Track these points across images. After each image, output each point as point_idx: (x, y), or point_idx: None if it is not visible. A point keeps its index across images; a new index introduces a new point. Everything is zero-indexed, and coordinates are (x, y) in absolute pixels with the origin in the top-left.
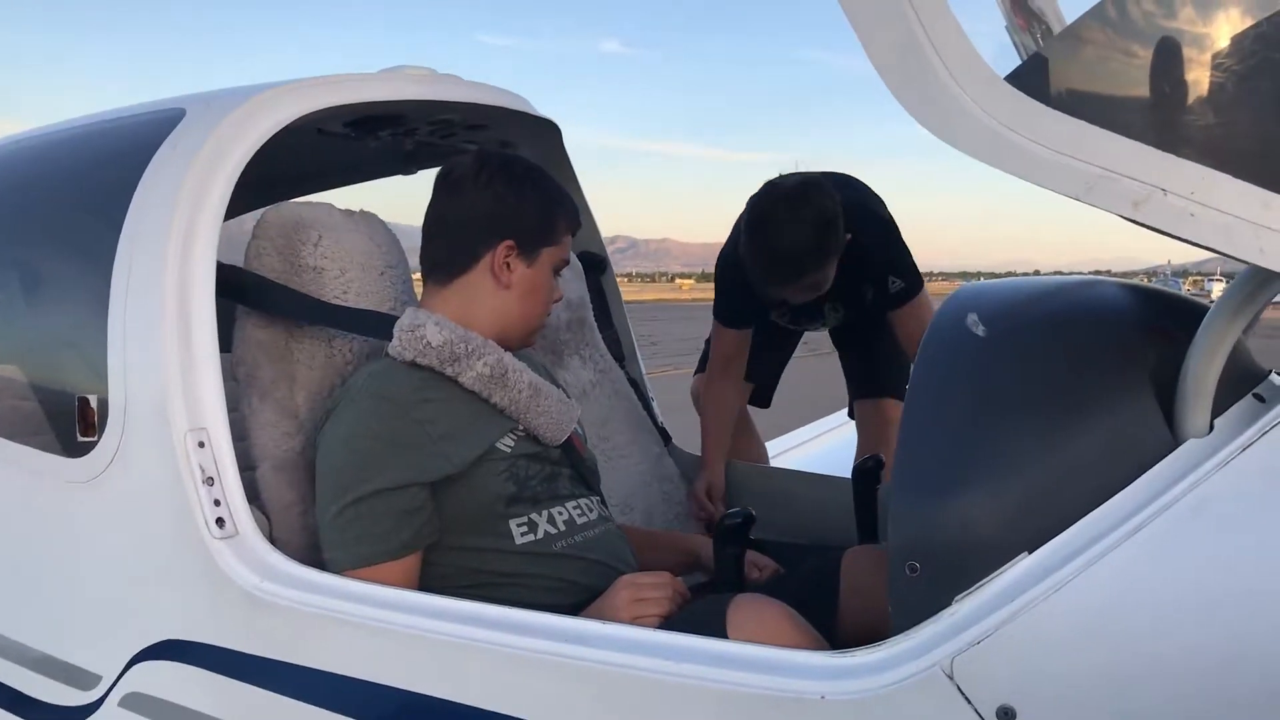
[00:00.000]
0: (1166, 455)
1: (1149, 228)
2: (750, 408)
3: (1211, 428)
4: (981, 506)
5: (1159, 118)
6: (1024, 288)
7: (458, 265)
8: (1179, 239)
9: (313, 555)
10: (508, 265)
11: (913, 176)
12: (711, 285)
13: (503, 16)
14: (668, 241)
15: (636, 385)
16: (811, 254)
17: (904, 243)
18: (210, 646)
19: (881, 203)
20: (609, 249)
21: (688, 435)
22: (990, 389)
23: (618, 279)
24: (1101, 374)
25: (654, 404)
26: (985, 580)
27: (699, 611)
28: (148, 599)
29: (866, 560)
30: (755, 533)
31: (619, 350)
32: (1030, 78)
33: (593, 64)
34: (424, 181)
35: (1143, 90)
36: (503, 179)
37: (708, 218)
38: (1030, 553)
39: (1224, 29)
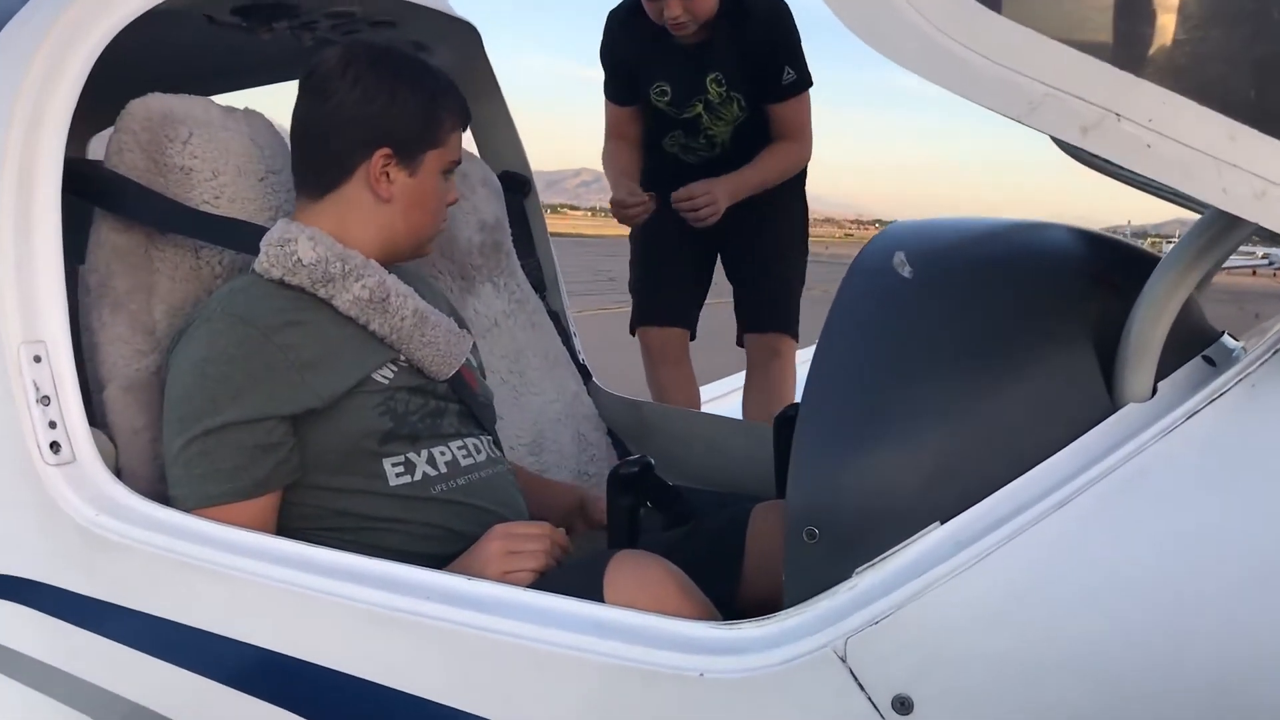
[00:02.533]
0: (1102, 420)
1: (1096, 159)
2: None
3: (1154, 392)
4: (893, 467)
5: (1117, 29)
6: (963, 227)
7: (329, 178)
8: (1129, 173)
9: (163, 487)
10: (386, 175)
11: (877, 125)
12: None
13: None
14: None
15: (557, 318)
16: None
17: (798, 32)
18: (40, 584)
19: None
20: (573, 181)
21: (619, 376)
22: (911, 336)
23: (581, 213)
24: (1037, 326)
25: (576, 339)
26: (890, 552)
27: (575, 570)
28: None
29: (774, 516)
30: (672, 477)
31: (539, 279)
32: None
33: None
34: None
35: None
36: (372, 76)
37: None
38: (943, 523)
39: None
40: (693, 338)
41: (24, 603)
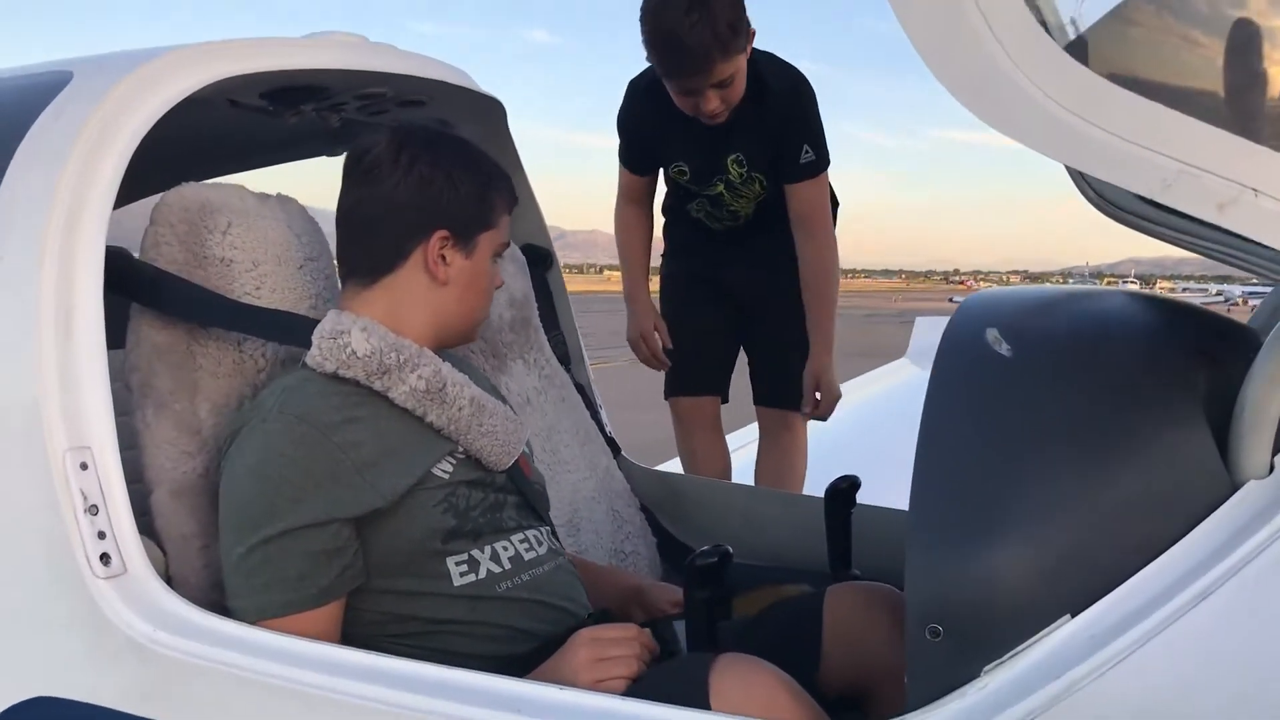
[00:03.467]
0: (1225, 499)
1: (1227, 233)
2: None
3: (1273, 467)
4: (1013, 558)
5: (1249, 105)
6: (1043, 297)
7: (383, 262)
8: (1260, 247)
9: (215, 598)
10: (443, 258)
11: (835, 175)
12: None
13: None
14: (596, 233)
15: (583, 390)
16: (715, 41)
17: (818, 112)
18: (90, 706)
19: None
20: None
21: (624, 431)
22: (1019, 419)
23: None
24: (1145, 402)
25: (602, 412)
26: (1021, 647)
27: (675, 675)
28: (13, 650)
29: (850, 599)
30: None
31: (564, 352)
32: (1094, 52)
33: (519, 53)
34: None
35: (1233, 71)
36: (427, 159)
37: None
38: (1073, 616)
39: None
40: (725, 400)
41: None
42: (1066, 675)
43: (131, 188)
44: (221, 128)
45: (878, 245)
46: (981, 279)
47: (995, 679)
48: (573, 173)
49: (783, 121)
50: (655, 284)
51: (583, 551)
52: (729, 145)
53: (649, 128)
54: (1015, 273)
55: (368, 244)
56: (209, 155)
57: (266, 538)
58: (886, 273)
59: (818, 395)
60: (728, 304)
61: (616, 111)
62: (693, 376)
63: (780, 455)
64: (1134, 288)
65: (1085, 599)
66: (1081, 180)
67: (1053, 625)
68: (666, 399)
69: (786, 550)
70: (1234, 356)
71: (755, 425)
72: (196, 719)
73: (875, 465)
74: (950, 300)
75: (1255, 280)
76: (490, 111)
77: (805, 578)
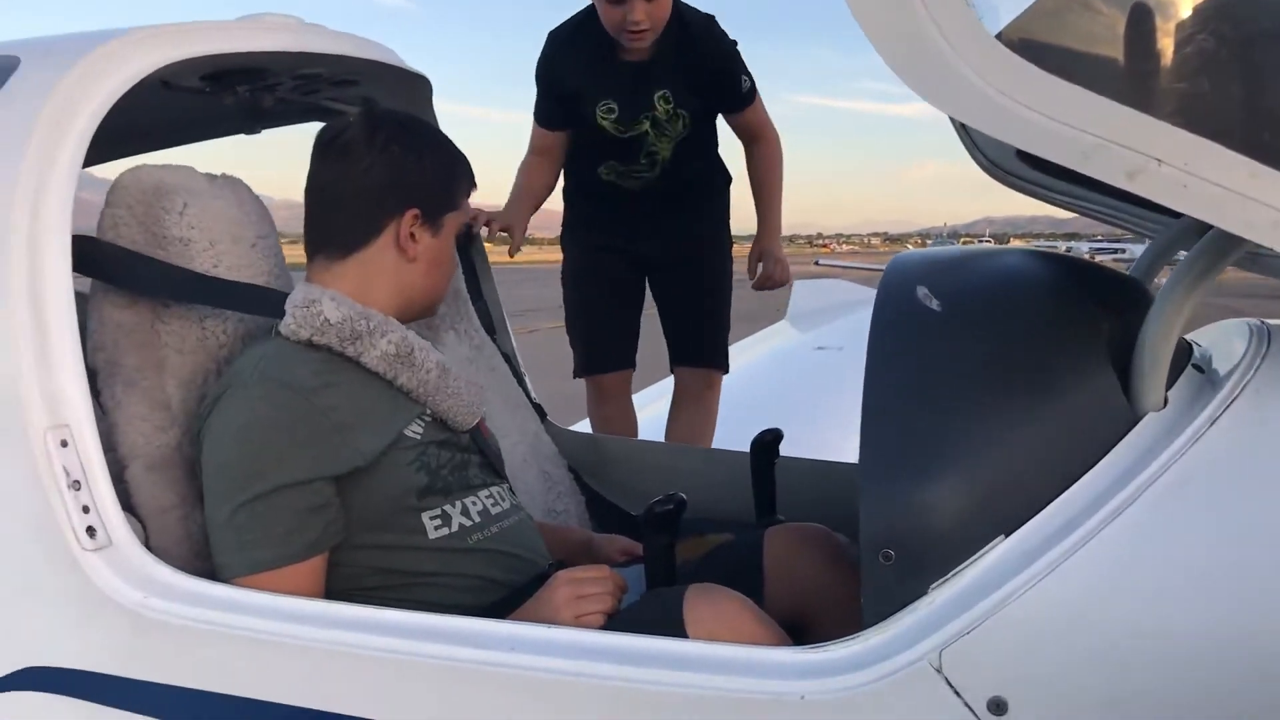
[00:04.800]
0: (1128, 430)
1: (1139, 198)
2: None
3: (1167, 401)
4: (952, 488)
5: (1152, 84)
6: (960, 256)
7: (356, 238)
8: (1167, 210)
9: (196, 565)
10: (413, 236)
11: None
12: (535, 249)
13: None
14: (497, 208)
15: (509, 359)
16: None
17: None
18: (84, 673)
19: None
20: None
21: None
22: (951, 365)
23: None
24: (1058, 347)
25: (526, 378)
26: (962, 565)
27: (651, 608)
28: (3, 623)
29: (786, 539)
30: (636, 508)
31: (489, 322)
32: (1020, 38)
33: (375, 20)
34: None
35: (1138, 54)
36: (401, 141)
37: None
38: (1006, 536)
39: None
40: (633, 368)
41: (72, 694)
42: (1003, 587)
43: None
44: (148, 108)
45: (739, 212)
46: (844, 241)
47: (942, 594)
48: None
49: (711, 57)
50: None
51: None
52: (656, 82)
53: (574, 74)
54: (876, 234)
55: (341, 220)
56: (133, 135)
57: (255, 495)
58: (751, 237)
59: (760, 267)
60: (636, 272)
61: (524, 75)
62: (607, 355)
63: (698, 414)
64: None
65: (1016, 521)
66: (973, 146)
67: (989, 545)
68: (579, 377)
69: (708, 503)
70: (1128, 305)
71: (653, 388)
72: (192, 678)
73: (771, 423)
74: (816, 263)
75: (1100, 237)
76: (416, 88)
77: (730, 528)
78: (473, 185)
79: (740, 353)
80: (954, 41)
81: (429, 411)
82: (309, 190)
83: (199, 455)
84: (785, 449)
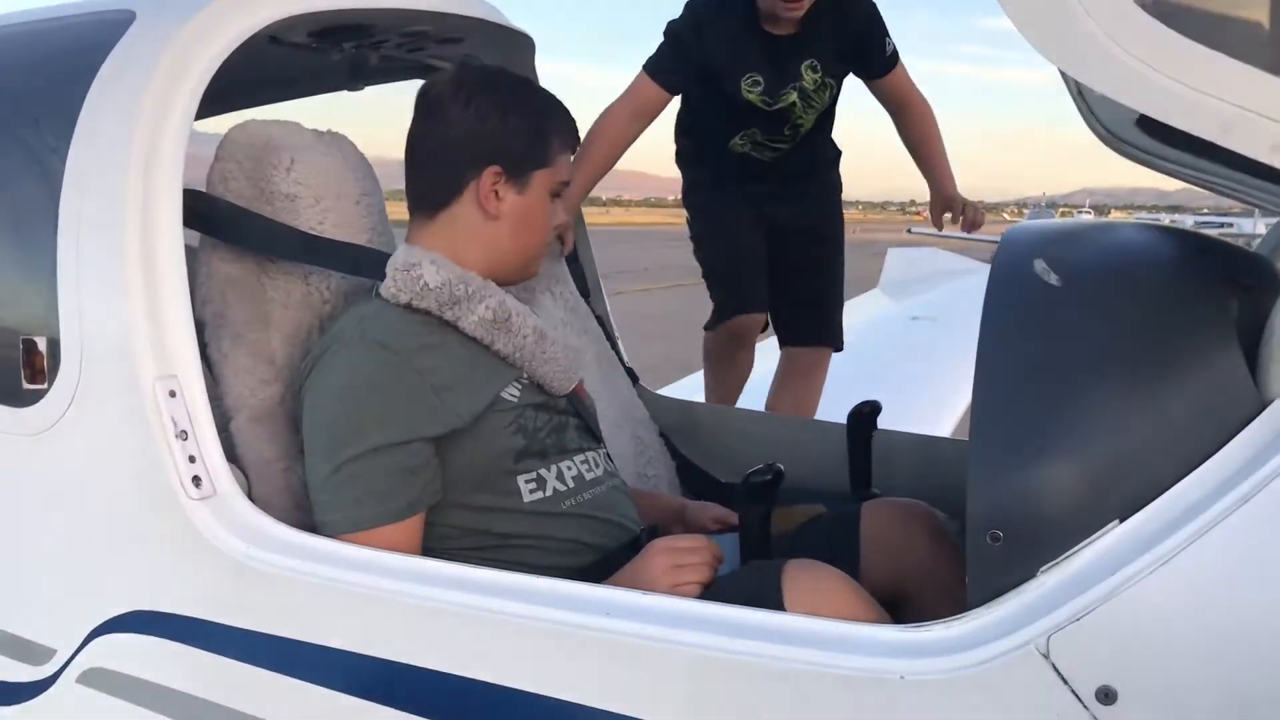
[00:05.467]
0: (1256, 416)
1: (1274, 173)
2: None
3: None
4: (1066, 471)
5: None
6: (1082, 231)
7: (441, 196)
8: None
9: (297, 517)
10: (495, 194)
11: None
12: (622, 211)
13: None
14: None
15: (602, 322)
16: None
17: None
18: (187, 619)
19: None
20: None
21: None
22: (1070, 342)
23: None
24: (1182, 327)
25: (620, 343)
26: (1074, 550)
27: (749, 580)
28: (110, 566)
29: (886, 514)
30: (729, 476)
31: (583, 285)
32: (1161, 2)
33: None
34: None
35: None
36: (485, 95)
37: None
38: (1121, 521)
39: None
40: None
41: (174, 638)
42: (1117, 574)
43: None
44: (255, 64)
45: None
46: None
47: (1051, 578)
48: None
49: (855, 19)
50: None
51: None
52: (803, 51)
53: (720, 48)
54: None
55: (427, 177)
56: (238, 90)
57: (355, 455)
58: (844, 204)
59: (948, 216)
60: (768, 234)
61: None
62: (755, 293)
63: (806, 389)
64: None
65: (1132, 506)
66: (1089, 113)
67: (1102, 529)
68: (720, 323)
69: (800, 473)
70: (1259, 284)
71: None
72: (293, 628)
73: (865, 395)
74: (909, 231)
75: (1206, 210)
76: (519, 46)
77: (824, 499)
78: (572, 141)
79: None
80: (1090, 6)
81: (526, 375)
82: (406, 147)
83: (300, 412)
84: (879, 421)
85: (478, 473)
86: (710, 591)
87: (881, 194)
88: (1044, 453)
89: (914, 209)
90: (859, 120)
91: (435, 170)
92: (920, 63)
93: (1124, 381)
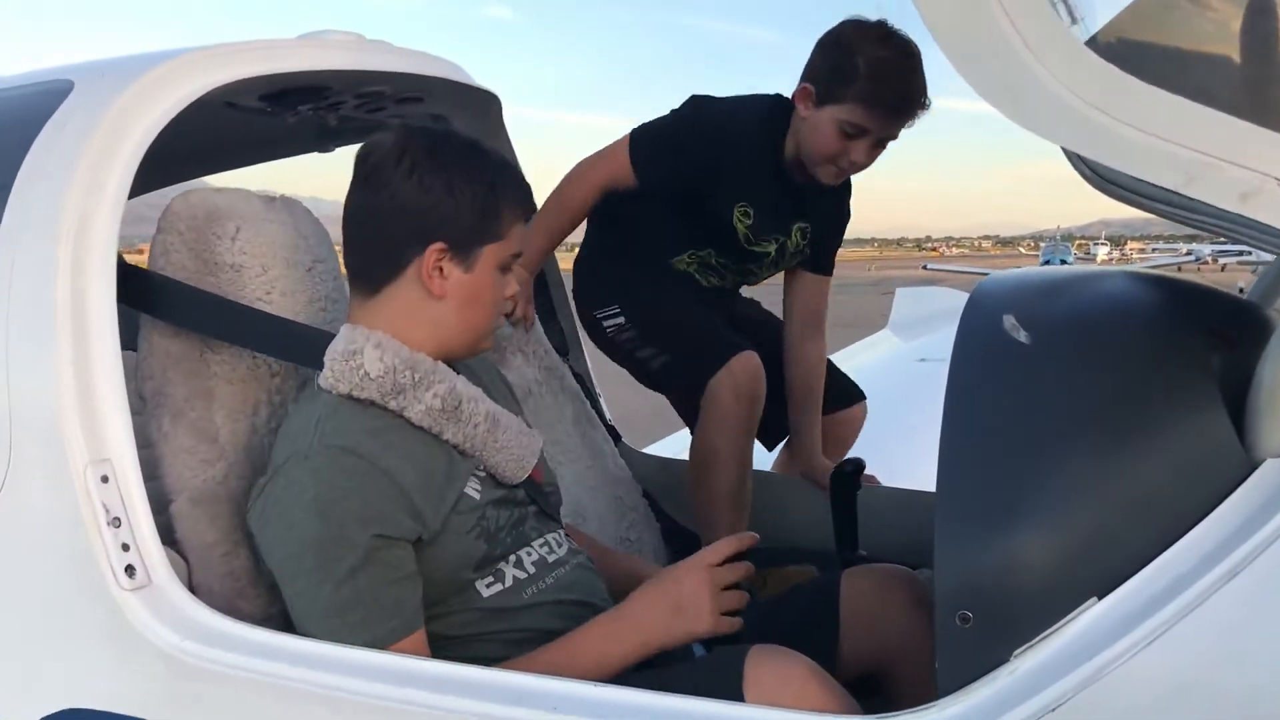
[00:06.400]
0: (1244, 478)
1: (1249, 223)
2: None
3: None
4: (1039, 543)
5: (1262, 93)
6: (1054, 280)
7: (381, 273)
8: (1172, 209)
9: (239, 606)
10: (440, 270)
11: None
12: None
13: None
14: None
15: (581, 380)
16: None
17: None
18: (121, 717)
19: None
20: None
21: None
22: (1041, 405)
23: None
24: (1163, 385)
25: (601, 400)
26: (1049, 630)
27: (709, 667)
28: (39, 663)
29: (865, 582)
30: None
31: (562, 341)
32: (1115, 44)
33: (479, 31)
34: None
35: (1256, 58)
36: (429, 165)
37: None
38: (1100, 598)
39: None
40: None
41: None
42: (1096, 658)
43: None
44: (214, 129)
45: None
46: (954, 245)
47: (1025, 663)
48: (547, 151)
49: (846, 211)
50: None
51: None
52: (801, 211)
53: (740, 152)
54: (986, 238)
55: (367, 252)
56: (200, 155)
57: (353, 566)
58: (859, 241)
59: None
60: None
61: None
62: (731, 339)
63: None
64: (1104, 248)
65: (1111, 582)
66: (1077, 159)
67: (1080, 608)
68: (719, 367)
69: (791, 532)
70: (1245, 335)
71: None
72: None
73: (869, 441)
74: (924, 268)
75: (1224, 240)
76: (485, 105)
77: (811, 558)
78: (526, 210)
79: (840, 362)
80: (1037, 50)
81: (480, 466)
82: (344, 216)
83: (265, 540)
84: (879, 468)
85: (438, 586)
86: (669, 676)
87: (896, 230)
88: (1014, 525)
89: (930, 245)
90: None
91: (376, 245)
92: (932, 99)
93: (1099, 446)
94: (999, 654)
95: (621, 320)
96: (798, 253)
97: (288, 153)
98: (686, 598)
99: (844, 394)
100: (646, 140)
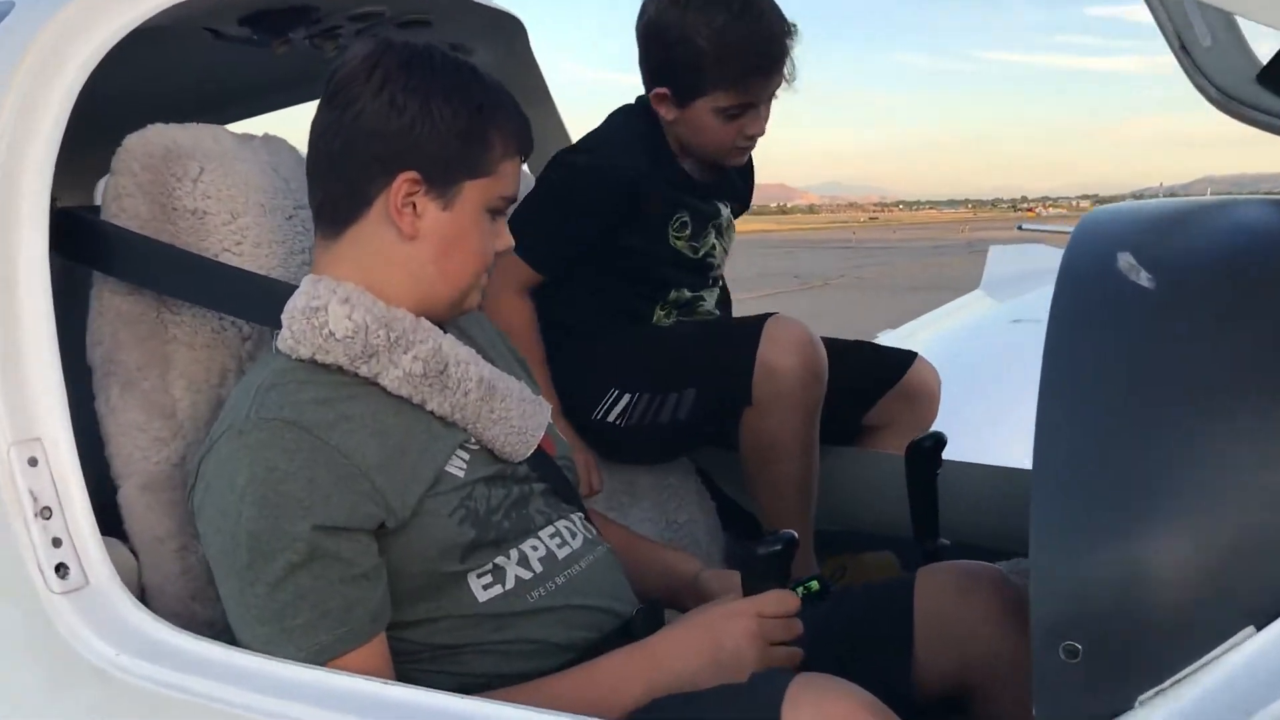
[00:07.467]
0: None
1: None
2: None
3: None
4: (1172, 554)
5: None
6: (1178, 211)
7: (345, 209)
8: None
9: (193, 610)
10: (412, 206)
11: (892, 105)
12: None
13: None
14: None
15: None
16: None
17: None
18: None
19: None
20: None
21: None
22: (1169, 372)
23: None
24: None
25: None
26: (1188, 670)
27: (745, 698)
28: None
29: (944, 583)
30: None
31: None
32: None
33: None
34: None
35: None
36: (403, 80)
37: None
38: (1258, 629)
39: None
40: None
41: None
42: (1256, 709)
43: (112, 147)
44: (207, 67)
45: (939, 176)
46: (1050, 205)
47: (1155, 712)
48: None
49: (748, 165)
50: None
51: (632, 524)
52: (718, 193)
53: (638, 178)
54: (1085, 197)
55: (329, 184)
56: (198, 102)
57: (291, 565)
58: (951, 203)
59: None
60: None
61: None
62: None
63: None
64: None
65: (1271, 605)
66: (1198, 72)
67: (1230, 640)
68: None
69: (865, 512)
70: None
71: None
72: None
73: (958, 410)
74: (1020, 228)
75: None
76: (508, 31)
77: (888, 544)
78: (520, 147)
79: (930, 324)
80: None
81: (473, 439)
82: (307, 145)
83: (200, 530)
84: (969, 440)
85: (415, 580)
86: (695, 703)
87: (991, 191)
88: (1137, 530)
89: (1025, 205)
90: (959, 116)
91: (338, 175)
92: (1011, 54)
93: (1251, 425)
94: (1118, 700)
95: (626, 398)
96: (730, 225)
97: (296, 99)
98: (728, 650)
99: (890, 365)
100: (530, 227)
